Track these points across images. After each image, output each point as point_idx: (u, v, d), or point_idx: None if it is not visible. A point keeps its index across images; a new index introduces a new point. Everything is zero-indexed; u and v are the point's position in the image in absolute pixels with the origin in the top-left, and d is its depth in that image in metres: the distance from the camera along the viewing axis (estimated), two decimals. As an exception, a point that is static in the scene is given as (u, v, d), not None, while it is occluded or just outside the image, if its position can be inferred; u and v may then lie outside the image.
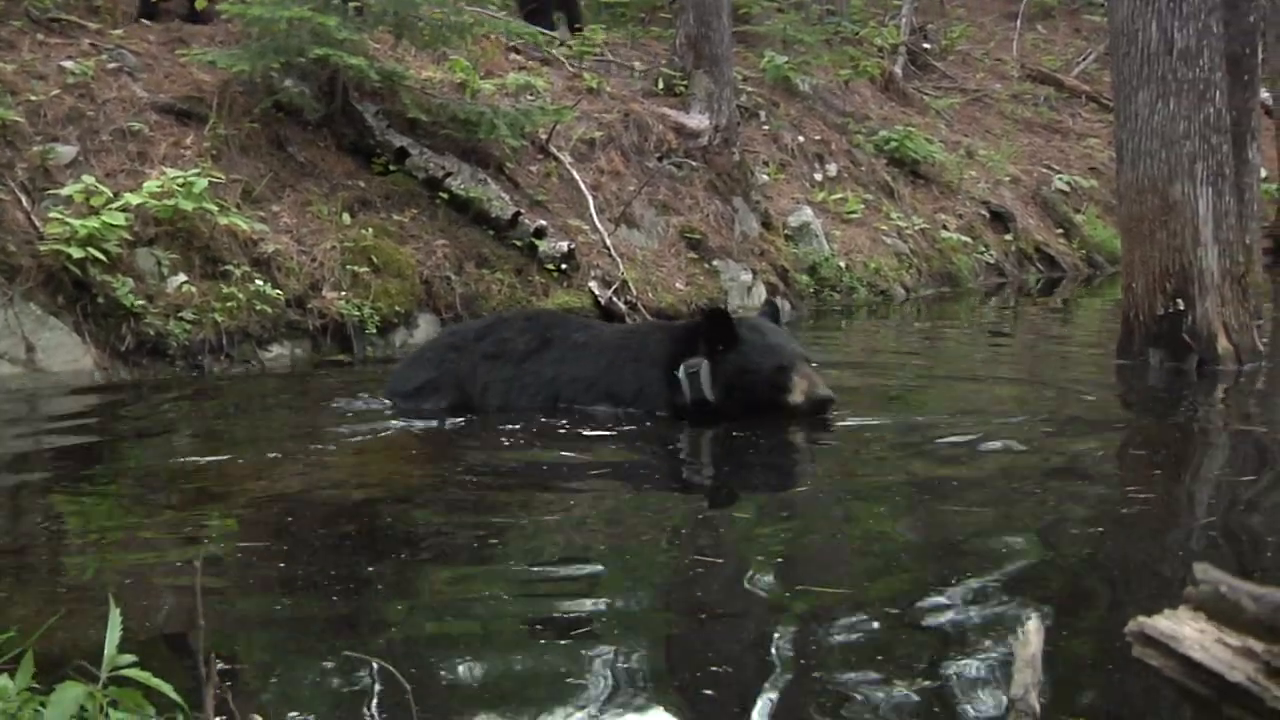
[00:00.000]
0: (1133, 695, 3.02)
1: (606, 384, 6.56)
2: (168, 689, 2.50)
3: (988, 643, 3.42)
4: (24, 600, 3.79)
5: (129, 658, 2.50)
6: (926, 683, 3.17)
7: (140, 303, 7.88)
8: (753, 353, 6.27)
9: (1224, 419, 7.06)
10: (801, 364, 6.33)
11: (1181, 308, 7.92)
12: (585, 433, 6.17)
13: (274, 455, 5.71)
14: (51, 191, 8.05)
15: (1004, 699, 2.85)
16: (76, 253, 7.56)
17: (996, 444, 5.94)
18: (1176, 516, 4.90)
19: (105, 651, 2.49)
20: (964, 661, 3.31)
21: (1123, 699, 3.04)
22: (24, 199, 7.96)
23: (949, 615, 3.64)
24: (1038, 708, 2.41)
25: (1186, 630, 2.04)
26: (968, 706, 3.02)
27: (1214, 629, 2.03)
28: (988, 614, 3.65)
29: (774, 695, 3.16)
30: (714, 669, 3.33)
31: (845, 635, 3.52)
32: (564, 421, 6.32)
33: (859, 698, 3.08)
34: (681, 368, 6.30)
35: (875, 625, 3.60)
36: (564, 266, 10.02)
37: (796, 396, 6.20)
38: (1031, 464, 5.64)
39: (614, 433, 6.19)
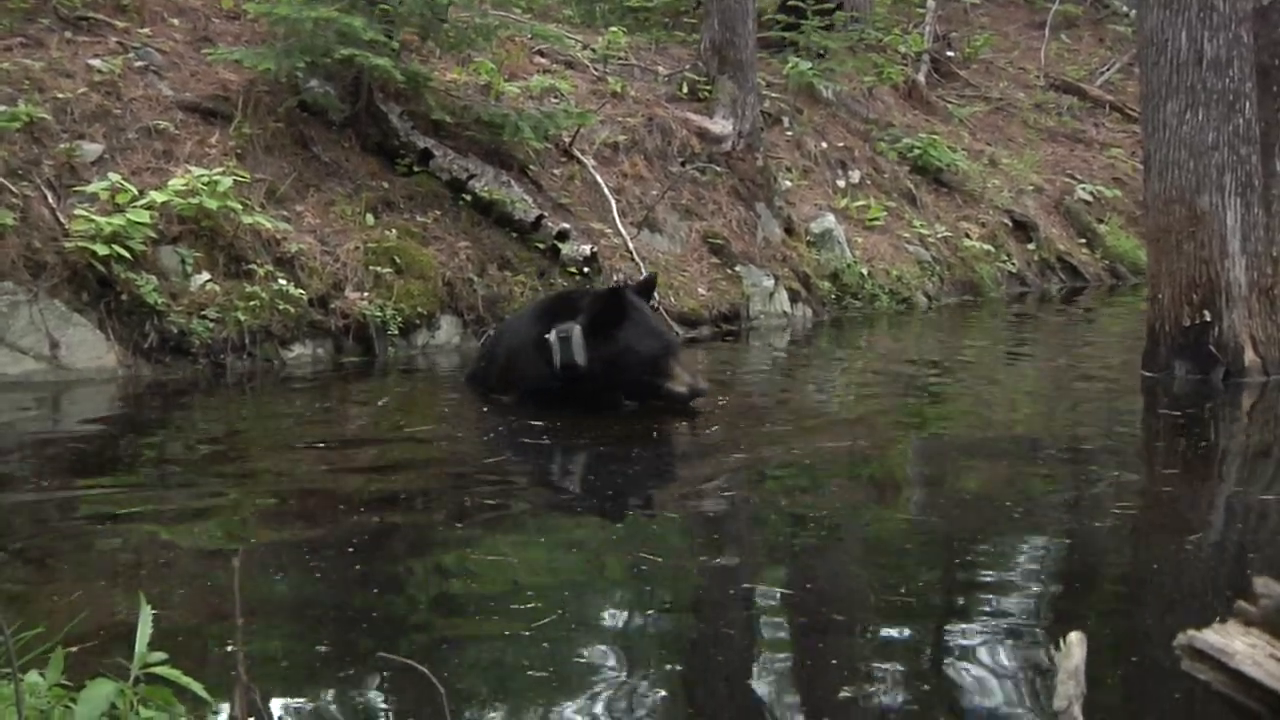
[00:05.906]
0: (1179, 709, 2.97)
1: (491, 359, 7.16)
2: (198, 688, 2.48)
3: (1026, 654, 3.38)
4: (51, 594, 3.78)
5: (160, 655, 2.48)
6: (963, 697, 3.13)
7: (164, 301, 7.87)
8: (636, 333, 6.41)
9: (1248, 431, 7.01)
10: (681, 353, 6.70)
11: (1208, 319, 7.88)
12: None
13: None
14: (77, 189, 8.05)
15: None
16: (101, 250, 7.56)
17: (1019, 455, 5.90)
18: (1204, 529, 4.86)
19: (136, 648, 2.47)
20: (1002, 673, 3.27)
21: (1169, 713, 2.99)
22: (50, 196, 7.97)
23: (983, 628, 3.61)
24: (1081, 720, 2.38)
25: (1237, 644, 2.01)
26: None
27: (1265, 643, 1.99)
28: (1024, 625, 3.61)
29: (800, 702, 3.13)
30: (735, 672, 3.30)
31: (878, 647, 3.49)
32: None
33: (892, 711, 3.04)
34: (553, 331, 6.45)
35: (909, 636, 3.57)
36: (586, 270, 9.98)
37: (677, 385, 6.43)
38: (1057, 474, 5.60)
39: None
